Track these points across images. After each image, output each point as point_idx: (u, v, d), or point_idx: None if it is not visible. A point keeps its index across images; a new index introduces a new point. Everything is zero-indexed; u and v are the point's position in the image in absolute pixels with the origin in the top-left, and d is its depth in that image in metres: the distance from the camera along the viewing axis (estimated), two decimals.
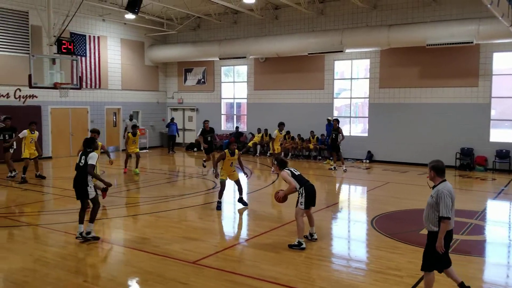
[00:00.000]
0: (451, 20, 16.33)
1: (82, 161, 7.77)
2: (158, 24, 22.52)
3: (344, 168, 16.34)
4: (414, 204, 10.94)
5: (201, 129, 15.58)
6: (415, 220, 9.56)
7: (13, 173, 14.01)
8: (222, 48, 20.97)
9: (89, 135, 20.38)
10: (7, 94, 17.55)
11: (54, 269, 6.52)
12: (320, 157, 19.48)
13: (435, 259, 5.26)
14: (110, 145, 21.92)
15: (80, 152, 7.97)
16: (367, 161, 18.72)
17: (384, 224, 9.10)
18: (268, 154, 20.09)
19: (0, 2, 16.96)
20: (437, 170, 5.26)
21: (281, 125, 15.55)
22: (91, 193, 7.79)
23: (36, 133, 13.97)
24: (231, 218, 10.31)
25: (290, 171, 7.80)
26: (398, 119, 18.28)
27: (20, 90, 17.84)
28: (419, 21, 17.03)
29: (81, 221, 7.86)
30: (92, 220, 7.89)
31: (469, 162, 16.82)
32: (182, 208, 10.63)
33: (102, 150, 10.19)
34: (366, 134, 19.31)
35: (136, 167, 15.39)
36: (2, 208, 10.30)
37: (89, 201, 7.95)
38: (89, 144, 7.93)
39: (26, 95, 18.12)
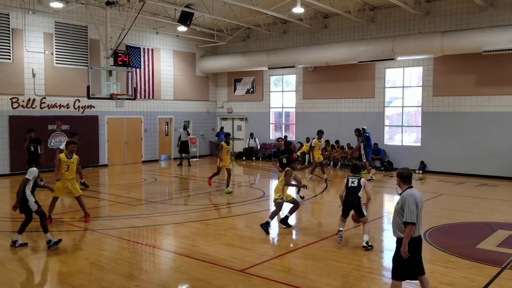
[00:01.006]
0: (509, 25, 15.61)
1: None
2: (208, 36, 23.04)
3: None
4: (470, 217, 10.50)
5: (273, 151, 14.60)
6: (470, 234, 9.18)
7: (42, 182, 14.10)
8: (271, 58, 21.13)
9: (142, 145, 21.28)
10: (67, 104, 18.50)
11: (108, 273, 6.77)
12: (371, 167, 19.04)
13: (403, 266, 5.22)
14: (162, 154, 22.57)
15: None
16: (420, 171, 18.14)
17: (438, 238, 8.77)
18: (306, 163, 19.97)
19: (63, 18, 17.98)
20: (402, 177, 5.34)
21: (319, 133, 15.45)
22: (32, 207, 7.87)
23: (75, 158, 13.79)
24: (279, 227, 10.29)
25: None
26: (452, 128, 17.62)
27: (79, 101, 18.76)
28: (474, 27, 16.41)
29: (20, 231, 8.05)
30: (45, 230, 7.95)
31: None
32: (230, 216, 10.74)
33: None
34: (419, 144, 18.73)
35: (227, 186, 13.66)
36: (60, 213, 10.82)
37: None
38: (31, 160, 8.04)
39: (85, 106, 19.03)
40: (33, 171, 7.94)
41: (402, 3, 16.42)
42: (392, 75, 19.53)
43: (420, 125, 18.73)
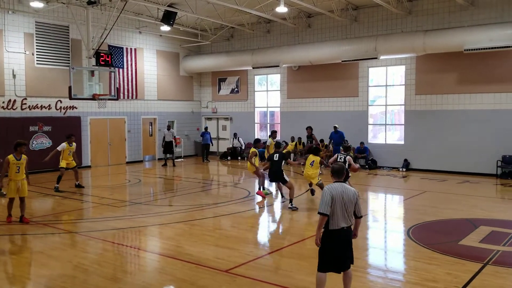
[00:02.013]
0: (490, 24, 15.85)
1: None
2: (192, 35, 22.92)
3: None
4: (453, 214, 10.63)
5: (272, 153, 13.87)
6: (453, 230, 9.29)
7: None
8: (255, 57, 21.11)
9: (126, 145, 21.07)
10: (49, 105, 18.22)
11: (92, 275, 6.68)
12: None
13: (321, 257, 5.39)
14: (146, 154, 22.39)
15: None
16: (404, 169, 18.32)
17: (422, 234, 8.87)
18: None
19: (43, 17, 17.70)
20: (332, 172, 5.53)
21: (274, 133, 16.29)
22: None
23: (74, 145, 14.00)
24: (265, 227, 10.30)
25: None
26: (435, 126, 17.83)
27: (61, 102, 18.49)
28: (456, 26, 16.62)
29: None
30: None
31: (511, 170, 16.20)
32: (216, 216, 10.70)
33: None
34: (403, 142, 18.92)
35: (264, 188, 13.14)
36: (42, 216, 10.66)
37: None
38: None
39: (67, 106, 18.77)
40: None
41: (385, 2, 16.55)
42: (376, 74, 19.68)
43: (403, 123, 18.91)
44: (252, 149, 13.00)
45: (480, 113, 16.82)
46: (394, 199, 13.74)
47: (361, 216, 5.52)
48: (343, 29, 19.67)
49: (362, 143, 19.19)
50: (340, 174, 5.47)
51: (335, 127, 18.81)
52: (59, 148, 13.82)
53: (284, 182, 11.45)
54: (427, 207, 11.43)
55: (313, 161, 11.75)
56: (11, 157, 9.64)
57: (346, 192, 5.30)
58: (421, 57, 17.72)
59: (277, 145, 12.61)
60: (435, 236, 8.90)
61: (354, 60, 18.37)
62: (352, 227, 5.48)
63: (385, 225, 10.45)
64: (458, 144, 17.26)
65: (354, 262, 7.12)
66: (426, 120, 18.03)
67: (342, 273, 5.53)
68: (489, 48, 15.42)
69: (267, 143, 15.91)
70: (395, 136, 19.92)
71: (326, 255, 5.37)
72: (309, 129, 19.17)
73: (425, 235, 8.90)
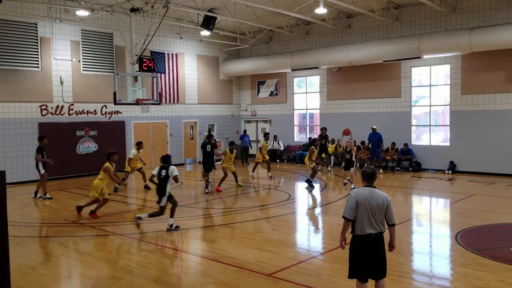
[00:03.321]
0: None
1: None
2: (231, 39, 23.11)
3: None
4: (503, 218, 10.19)
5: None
6: (504, 235, 8.91)
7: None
8: (294, 59, 21.04)
9: (168, 149, 21.44)
10: (95, 110, 18.83)
11: (137, 277, 6.83)
12: (399, 168, 18.74)
13: (350, 263, 5.28)
14: (187, 157, 22.74)
15: None
16: (450, 172, 17.74)
17: (470, 239, 8.53)
18: (332, 165, 20.37)
19: (89, 25, 18.31)
20: (362, 176, 5.34)
21: (266, 135, 17.77)
22: None
23: (141, 151, 15.09)
24: (305, 231, 10.22)
25: None
26: (483, 127, 17.16)
27: (106, 107, 19.07)
28: (503, 23, 15.97)
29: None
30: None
31: None
32: (256, 219, 10.71)
33: None
34: (448, 144, 18.32)
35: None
36: (89, 218, 10.99)
37: None
38: None
39: (112, 111, 19.33)
40: None
41: (428, 0, 16.11)
42: (419, 73, 19.17)
43: (448, 124, 18.32)
44: (227, 150, 14.72)
45: None
46: (440, 203, 13.31)
47: (394, 224, 5.28)
48: (384, 28, 19.30)
49: (406, 144, 18.69)
50: (370, 178, 5.25)
51: (373, 129, 18.52)
52: (130, 155, 14.75)
53: (210, 170, 14.25)
54: (475, 211, 11.02)
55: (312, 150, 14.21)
56: (108, 164, 10.94)
57: (375, 198, 5.11)
58: (467, 56, 17.12)
59: (209, 136, 14.63)
60: (484, 241, 8.56)
61: (396, 60, 17.97)
62: (384, 234, 5.24)
63: (431, 229, 10.14)
64: (507, 145, 16.53)
65: (399, 268, 6.92)
66: (473, 120, 17.39)
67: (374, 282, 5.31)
68: None
69: (259, 145, 17.66)
70: (439, 137, 19.33)
71: (352, 261, 5.25)
72: (324, 129, 18.99)
73: (474, 240, 8.57)
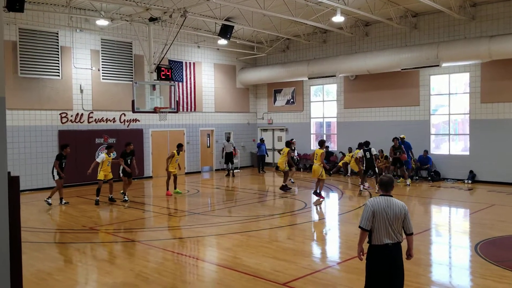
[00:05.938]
0: None
1: None
2: (248, 48, 23.23)
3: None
4: None
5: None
6: None
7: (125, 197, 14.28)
8: (311, 68, 21.02)
9: (185, 157, 21.57)
10: (114, 118, 19.08)
11: (152, 284, 6.84)
12: (418, 177, 18.48)
13: (366, 274, 5.16)
14: (204, 165, 22.83)
15: None
16: (469, 181, 17.42)
17: (490, 250, 8.35)
18: (349, 173, 20.24)
19: (108, 35, 18.64)
20: (379, 184, 5.26)
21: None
22: None
23: (112, 155, 14.22)
24: (321, 240, 10.13)
25: None
26: (503, 136, 16.85)
27: (124, 115, 19.31)
28: None
29: None
30: None
31: None
32: (272, 228, 10.66)
33: None
34: (468, 153, 18.02)
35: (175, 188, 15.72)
36: (106, 225, 11.10)
37: None
38: None
39: (130, 119, 19.57)
40: None
41: (447, 8, 15.96)
42: (437, 82, 18.95)
43: (468, 133, 18.03)
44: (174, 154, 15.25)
45: None
46: (459, 213, 13.07)
47: (412, 233, 5.18)
48: (402, 36, 19.17)
49: (426, 151, 18.37)
50: (387, 187, 5.14)
51: (401, 138, 17.68)
52: (98, 159, 13.90)
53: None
54: (496, 222, 10.78)
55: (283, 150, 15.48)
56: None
57: (392, 207, 5.01)
58: (487, 64, 16.88)
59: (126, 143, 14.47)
60: (505, 252, 8.36)
61: (415, 68, 17.80)
62: (402, 244, 5.15)
63: (450, 240, 9.95)
64: None
65: (417, 278, 6.81)
66: (493, 129, 17.08)
67: None
68: None
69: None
70: (459, 146, 19.03)
71: (368, 271, 5.16)
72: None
73: (494, 251, 8.38)
